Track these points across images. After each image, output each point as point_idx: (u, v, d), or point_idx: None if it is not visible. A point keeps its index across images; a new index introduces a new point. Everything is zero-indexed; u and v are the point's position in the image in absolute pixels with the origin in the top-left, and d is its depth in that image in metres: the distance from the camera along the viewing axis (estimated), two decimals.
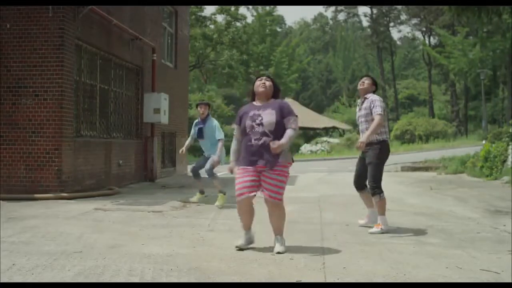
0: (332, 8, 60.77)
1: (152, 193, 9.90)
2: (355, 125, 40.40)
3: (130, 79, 12.03)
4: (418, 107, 55.92)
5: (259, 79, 4.86)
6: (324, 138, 35.47)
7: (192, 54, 30.16)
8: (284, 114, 4.67)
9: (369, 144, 5.72)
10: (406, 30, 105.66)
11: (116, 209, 7.29)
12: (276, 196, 4.61)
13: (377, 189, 5.67)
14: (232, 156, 4.87)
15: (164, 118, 12.58)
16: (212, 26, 33.41)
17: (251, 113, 4.69)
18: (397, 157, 21.12)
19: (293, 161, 4.78)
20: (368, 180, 5.75)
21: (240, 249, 4.60)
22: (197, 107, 8.19)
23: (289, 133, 4.60)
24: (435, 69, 54.12)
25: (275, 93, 4.86)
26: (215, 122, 7.94)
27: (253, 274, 3.81)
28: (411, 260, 4.28)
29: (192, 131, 8.22)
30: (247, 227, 4.74)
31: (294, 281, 3.64)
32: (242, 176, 4.64)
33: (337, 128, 40.33)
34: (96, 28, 10.03)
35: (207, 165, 7.84)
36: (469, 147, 23.33)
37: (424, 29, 54.51)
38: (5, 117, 8.76)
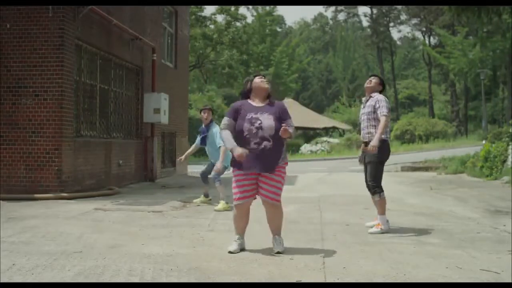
0: (332, 8, 60.94)
1: (152, 193, 9.90)
2: (355, 125, 40.63)
3: (130, 79, 12.03)
4: (418, 107, 55.90)
5: (258, 76, 4.76)
6: (324, 138, 35.45)
7: (192, 54, 30.15)
8: (283, 117, 4.61)
9: (369, 143, 5.71)
10: (406, 30, 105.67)
11: (116, 209, 7.30)
12: (274, 197, 4.60)
13: (377, 188, 5.66)
14: (230, 142, 4.52)
15: (164, 118, 12.58)
16: (212, 26, 33.40)
17: (249, 116, 4.53)
18: (397, 157, 21.10)
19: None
20: (368, 179, 5.74)
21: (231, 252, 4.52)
22: (200, 113, 8.16)
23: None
24: (435, 69, 54.11)
25: (269, 93, 4.80)
26: (216, 129, 7.80)
27: (253, 274, 3.81)
28: (411, 260, 4.28)
29: (197, 139, 8.23)
30: (242, 231, 4.69)
31: (294, 281, 3.64)
32: (242, 180, 4.58)
33: (337, 128, 40.33)
34: (96, 28, 10.03)
35: (212, 174, 7.80)
36: (469, 147, 23.31)
37: (424, 29, 54.52)
38: (5, 117, 8.77)
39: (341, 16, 64.75)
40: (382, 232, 5.50)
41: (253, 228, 4.79)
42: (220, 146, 7.57)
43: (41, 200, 8.21)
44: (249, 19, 42.36)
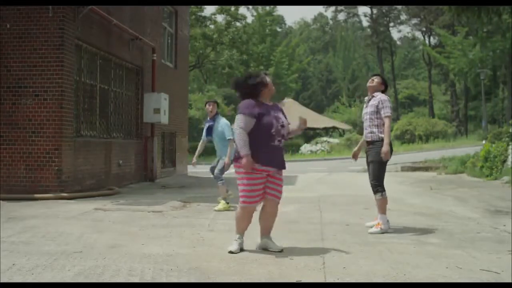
0: (332, 8, 60.99)
1: (152, 193, 9.90)
2: (355, 125, 40.65)
3: (130, 79, 12.03)
4: (418, 107, 55.93)
5: (267, 76, 4.72)
6: (324, 138, 35.44)
7: (192, 54, 30.16)
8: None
9: (371, 143, 5.72)
10: (406, 30, 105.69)
11: (116, 209, 7.29)
12: (279, 195, 4.69)
13: (379, 187, 5.66)
14: (245, 148, 4.42)
15: (164, 118, 12.58)
16: (212, 26, 33.41)
17: (273, 113, 4.56)
18: (397, 157, 21.09)
19: None
20: (371, 178, 5.75)
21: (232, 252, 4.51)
22: (205, 105, 8.09)
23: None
24: (435, 69, 54.12)
25: None
26: (225, 121, 7.66)
27: (253, 274, 3.81)
28: (411, 260, 4.28)
29: (203, 134, 7.92)
30: (243, 231, 4.66)
31: (294, 281, 3.64)
32: (254, 181, 4.49)
33: (337, 128, 40.33)
34: (96, 28, 10.03)
35: (218, 167, 7.62)
36: (469, 147, 23.32)
37: (424, 29, 54.53)
38: (5, 117, 8.77)
39: (341, 16, 64.90)
40: (382, 232, 5.50)
41: (253, 228, 4.78)
42: (229, 139, 7.34)
43: (41, 200, 8.21)
44: (249, 19, 42.42)
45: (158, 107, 12.30)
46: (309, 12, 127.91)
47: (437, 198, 8.96)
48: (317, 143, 33.57)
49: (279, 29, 55.27)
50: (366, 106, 5.90)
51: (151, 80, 12.72)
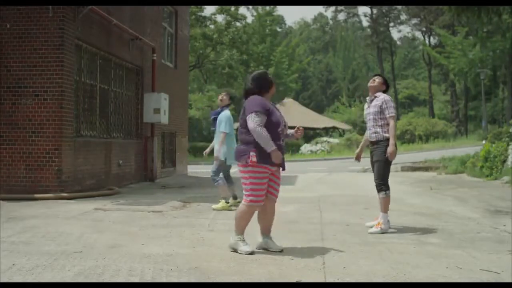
0: (332, 8, 60.97)
1: (152, 193, 9.90)
2: (355, 125, 40.66)
3: (130, 79, 12.03)
4: (418, 107, 55.94)
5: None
6: (324, 138, 35.45)
7: (192, 54, 30.14)
8: None
9: (375, 142, 5.73)
10: (406, 30, 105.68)
11: (116, 209, 7.29)
12: (277, 194, 4.71)
13: (383, 186, 5.67)
14: (270, 143, 4.38)
15: (164, 118, 12.58)
16: (212, 26, 33.39)
17: (278, 112, 4.63)
18: (397, 157, 21.04)
19: None
20: (375, 177, 5.75)
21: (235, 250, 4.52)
22: (218, 96, 7.92)
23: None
24: (435, 69, 54.13)
25: None
26: (227, 113, 7.38)
27: (253, 274, 3.81)
28: (411, 260, 4.28)
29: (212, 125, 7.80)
30: (243, 231, 4.62)
31: (294, 281, 3.64)
32: (261, 180, 4.48)
33: (337, 128, 40.35)
34: (96, 28, 10.03)
35: (213, 168, 7.51)
36: (469, 147, 23.33)
37: (424, 29, 54.54)
38: (5, 117, 8.77)
39: (341, 16, 64.89)
40: (382, 232, 5.50)
41: (253, 228, 4.78)
42: (222, 132, 7.20)
43: (41, 200, 8.21)
44: (249, 19, 42.38)
45: (158, 107, 12.29)
46: (309, 12, 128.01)
47: (437, 198, 8.97)
48: (317, 143, 33.58)
49: (279, 29, 55.25)
50: (369, 107, 5.90)
51: (151, 80, 12.72)
